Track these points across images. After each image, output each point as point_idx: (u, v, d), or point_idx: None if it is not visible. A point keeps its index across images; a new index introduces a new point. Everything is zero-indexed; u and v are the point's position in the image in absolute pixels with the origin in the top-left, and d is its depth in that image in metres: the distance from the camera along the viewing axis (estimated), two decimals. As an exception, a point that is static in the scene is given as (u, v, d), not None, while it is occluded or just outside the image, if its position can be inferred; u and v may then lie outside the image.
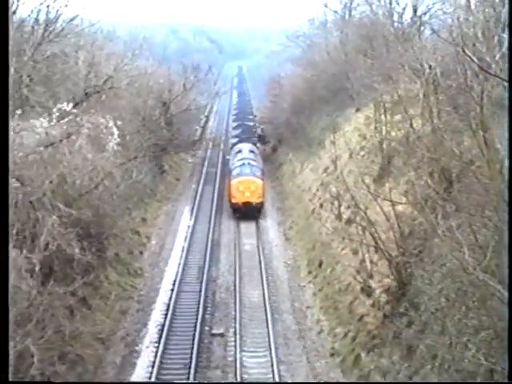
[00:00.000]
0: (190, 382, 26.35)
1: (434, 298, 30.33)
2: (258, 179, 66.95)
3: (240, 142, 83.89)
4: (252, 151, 77.47)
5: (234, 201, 66.09)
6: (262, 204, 66.80)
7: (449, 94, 32.63)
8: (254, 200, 65.50)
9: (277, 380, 34.79)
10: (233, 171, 69.85)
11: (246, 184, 65.92)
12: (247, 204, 65.16)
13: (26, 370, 22.06)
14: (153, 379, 34.99)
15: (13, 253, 25.86)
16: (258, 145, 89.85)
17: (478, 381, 21.49)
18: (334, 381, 27.50)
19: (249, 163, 69.89)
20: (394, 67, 45.90)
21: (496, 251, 23.55)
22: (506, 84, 10.59)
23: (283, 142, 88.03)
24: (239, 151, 76.51)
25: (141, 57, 60.47)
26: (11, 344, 21.93)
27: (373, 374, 33.82)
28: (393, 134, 46.75)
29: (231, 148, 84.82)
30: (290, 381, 34.88)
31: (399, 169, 44.32)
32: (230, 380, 36.07)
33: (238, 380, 35.47)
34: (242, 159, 71.61)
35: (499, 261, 23.04)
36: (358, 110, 63.11)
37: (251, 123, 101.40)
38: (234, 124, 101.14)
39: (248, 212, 64.99)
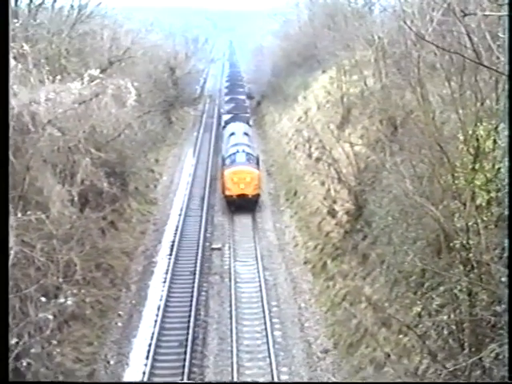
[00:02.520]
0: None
1: (383, 218, 30.64)
2: (253, 169, 49.70)
3: (233, 119, 65.08)
4: (246, 133, 58.61)
5: (227, 193, 48.90)
6: (258, 196, 49.77)
7: (394, 58, 32.81)
8: (250, 192, 48.51)
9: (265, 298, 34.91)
10: (226, 159, 51.83)
11: (241, 175, 48.86)
12: (242, 196, 48.37)
13: (72, 276, 22.53)
14: (166, 284, 35.58)
15: (57, 187, 26.21)
16: (251, 122, 70.64)
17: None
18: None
19: (243, 150, 51.62)
20: (352, 38, 45.96)
21: (430, 181, 23.95)
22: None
23: (265, 97, 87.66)
24: (232, 134, 57.85)
25: (152, 32, 60.20)
26: (59, 257, 22.41)
27: (336, 277, 34.39)
28: (351, 90, 46.78)
29: (223, 128, 64.58)
30: (276, 300, 35.26)
31: (356, 118, 44.59)
32: (226, 280, 36.63)
33: (232, 283, 35.95)
34: (235, 145, 53.15)
35: (432, 188, 23.51)
36: (323, 71, 62.87)
37: (243, 96, 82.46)
38: (226, 98, 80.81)
39: (243, 205, 48.42)
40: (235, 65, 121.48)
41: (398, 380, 22.73)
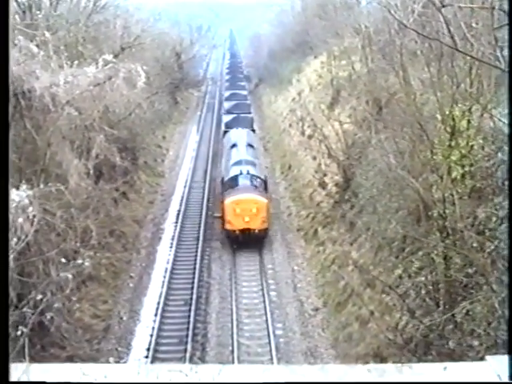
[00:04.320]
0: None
1: (369, 189, 30.86)
2: (261, 197, 36.59)
3: (234, 122, 51.09)
4: (250, 145, 44.05)
5: (228, 227, 36.18)
6: (266, 231, 36.78)
7: (379, 45, 32.80)
8: (257, 226, 35.80)
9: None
10: (226, 183, 38.51)
11: (246, 205, 35.95)
12: (247, 232, 35.75)
13: (88, 241, 22.78)
14: (173, 249, 35.88)
15: (75, 161, 26.33)
16: (255, 126, 55.76)
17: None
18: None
19: (248, 172, 38.28)
20: (341, 27, 45.88)
21: (410, 156, 24.11)
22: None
23: (262, 80, 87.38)
24: (233, 146, 43.60)
25: (160, 21, 60.01)
26: (77, 224, 22.66)
27: (326, 242, 34.68)
28: (340, 74, 46.72)
29: (223, 135, 50.39)
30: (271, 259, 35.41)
31: (345, 99, 44.57)
32: (226, 246, 36.78)
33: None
34: (238, 163, 39.50)
35: (413, 162, 23.69)
36: (315, 57, 62.69)
37: (245, 92, 69.21)
38: (227, 93, 67.79)
39: (248, 241, 35.86)
40: (236, 55, 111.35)
41: (381, 335, 23.08)
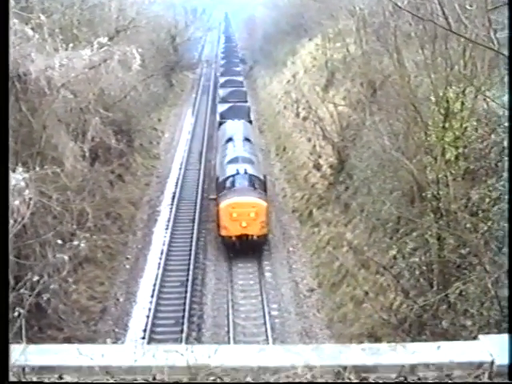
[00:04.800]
0: None
1: (363, 171, 30.93)
2: (259, 200, 32.92)
3: (230, 112, 47.20)
4: (247, 139, 40.34)
5: (224, 233, 32.81)
6: (265, 237, 33.53)
7: (373, 28, 32.70)
8: (255, 232, 32.33)
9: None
10: (221, 184, 34.83)
11: (243, 208, 32.24)
12: (244, 238, 32.35)
13: (85, 223, 22.78)
14: (169, 230, 35.88)
15: (70, 144, 26.32)
16: (252, 116, 51.75)
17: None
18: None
19: (245, 171, 34.46)
20: (335, 9, 45.80)
21: (405, 137, 24.16)
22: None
23: (257, 62, 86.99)
24: (229, 140, 39.79)
25: (154, 3, 59.63)
26: (73, 206, 22.68)
27: (321, 224, 34.77)
28: (335, 56, 46.58)
29: (218, 126, 46.47)
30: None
31: (339, 81, 44.52)
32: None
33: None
34: (234, 160, 35.94)
35: (407, 144, 23.73)
36: (310, 39, 62.46)
37: (240, 78, 64.60)
38: (222, 80, 63.81)
39: (245, 248, 32.59)
40: (231, 38, 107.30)
41: (376, 316, 23.19)
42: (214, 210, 35.17)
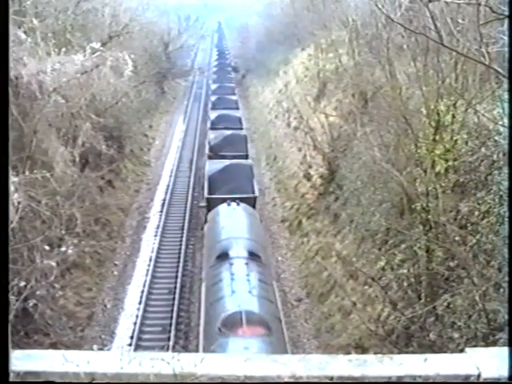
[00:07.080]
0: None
1: (353, 181, 30.98)
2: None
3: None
4: (254, 254, 23.12)
5: None
6: None
7: (366, 39, 32.82)
8: None
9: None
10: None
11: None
12: None
13: (73, 229, 22.71)
14: (158, 237, 35.82)
15: (61, 149, 26.30)
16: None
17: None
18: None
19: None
20: (328, 20, 45.85)
21: (395, 149, 24.19)
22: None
23: (250, 71, 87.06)
24: (223, 257, 22.66)
25: (148, 10, 59.77)
26: (62, 211, 22.60)
27: (310, 234, 34.68)
28: (327, 66, 46.68)
29: (206, 204, 31.93)
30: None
31: (331, 91, 44.54)
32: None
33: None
34: (231, 323, 17.67)
35: (397, 156, 23.76)
36: (302, 49, 62.57)
37: (238, 114, 51.66)
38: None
39: None
40: (223, 54, 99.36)
41: (363, 326, 23.17)
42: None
